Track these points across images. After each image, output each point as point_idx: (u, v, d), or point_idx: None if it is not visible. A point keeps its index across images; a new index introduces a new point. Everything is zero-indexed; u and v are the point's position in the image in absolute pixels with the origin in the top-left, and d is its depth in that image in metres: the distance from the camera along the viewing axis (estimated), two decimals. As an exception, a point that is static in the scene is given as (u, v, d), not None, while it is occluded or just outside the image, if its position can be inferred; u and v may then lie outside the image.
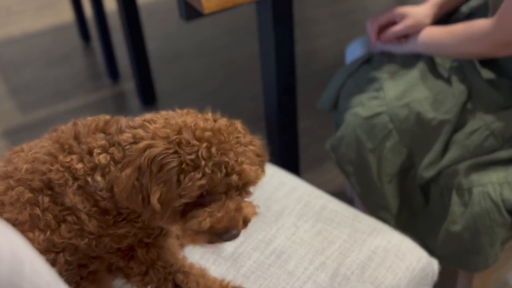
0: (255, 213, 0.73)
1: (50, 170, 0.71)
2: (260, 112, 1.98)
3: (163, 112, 0.76)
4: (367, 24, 1.30)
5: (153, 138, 0.68)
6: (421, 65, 1.20)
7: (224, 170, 0.67)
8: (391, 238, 1.00)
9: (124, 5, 1.93)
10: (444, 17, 1.24)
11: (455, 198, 1.09)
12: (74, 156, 0.71)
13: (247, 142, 0.73)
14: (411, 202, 1.21)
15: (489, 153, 1.09)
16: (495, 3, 1.09)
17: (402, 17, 1.22)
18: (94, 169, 0.71)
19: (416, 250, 0.99)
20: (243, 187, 0.71)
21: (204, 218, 0.68)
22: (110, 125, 0.73)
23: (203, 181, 0.66)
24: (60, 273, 0.74)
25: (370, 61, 1.29)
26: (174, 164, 0.66)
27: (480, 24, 1.07)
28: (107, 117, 0.76)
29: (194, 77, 2.32)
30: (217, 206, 0.69)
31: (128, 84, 2.29)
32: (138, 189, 0.67)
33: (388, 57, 1.26)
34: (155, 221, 0.70)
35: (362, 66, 1.29)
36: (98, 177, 0.70)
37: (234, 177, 0.68)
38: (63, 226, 0.72)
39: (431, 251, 1.17)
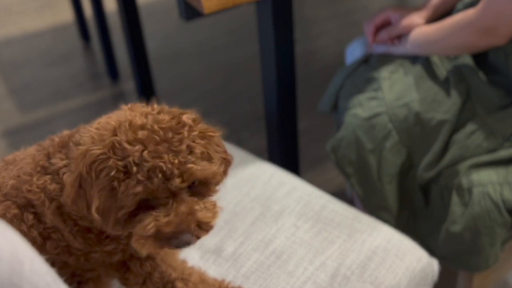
0: (213, 216, 0.67)
1: (29, 191, 0.69)
2: (260, 112, 1.98)
3: (117, 111, 0.71)
4: (364, 25, 1.30)
5: (92, 142, 0.64)
6: (419, 65, 1.20)
7: (160, 175, 0.61)
8: (391, 238, 0.99)
9: (124, 5, 1.93)
10: (439, 19, 1.24)
11: (455, 198, 1.09)
12: (47, 177, 0.69)
13: (195, 137, 0.66)
14: (412, 203, 1.21)
15: (489, 153, 1.09)
16: None
17: (397, 17, 1.22)
18: (63, 188, 0.67)
19: (416, 250, 0.99)
20: (199, 186, 0.66)
21: (148, 223, 0.63)
22: (70, 140, 0.70)
23: (138, 189, 0.61)
24: None
25: (368, 61, 1.29)
26: (107, 170, 0.61)
27: (465, 13, 1.08)
28: (74, 130, 0.73)
29: (194, 77, 2.32)
30: (165, 210, 0.63)
31: (128, 84, 2.29)
32: (82, 196, 0.64)
33: (386, 57, 1.26)
34: (104, 228, 0.67)
35: (360, 66, 1.29)
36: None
37: (176, 181, 0.62)
38: (48, 243, 0.70)
39: (432, 251, 1.17)
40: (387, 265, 0.95)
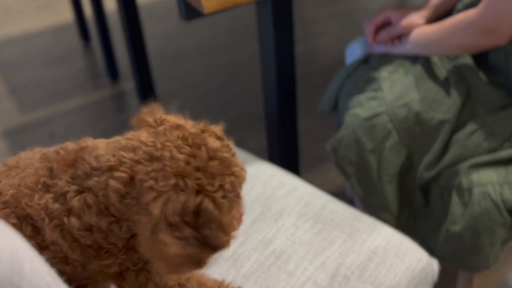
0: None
1: (29, 206, 0.68)
2: (260, 112, 1.98)
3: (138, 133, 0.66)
4: (364, 24, 1.30)
5: (154, 180, 0.59)
6: (419, 65, 1.20)
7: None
8: (391, 238, 0.99)
9: (124, 5, 1.93)
10: (439, 19, 1.24)
11: (455, 198, 1.09)
12: (49, 196, 0.67)
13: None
14: (412, 203, 1.21)
15: (489, 153, 1.09)
16: None
17: (397, 17, 1.22)
18: (69, 210, 0.66)
19: (416, 250, 0.99)
20: None
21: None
22: (78, 165, 0.66)
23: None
24: None
25: (368, 61, 1.29)
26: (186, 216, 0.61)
27: (466, 13, 1.08)
28: (77, 147, 0.70)
29: (194, 77, 2.32)
30: None
31: (128, 84, 2.29)
32: (156, 243, 0.59)
33: (386, 57, 1.26)
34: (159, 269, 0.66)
35: (360, 66, 1.29)
36: (73, 219, 0.65)
37: None
38: (46, 252, 0.70)
39: (432, 251, 1.17)
40: (387, 265, 0.95)
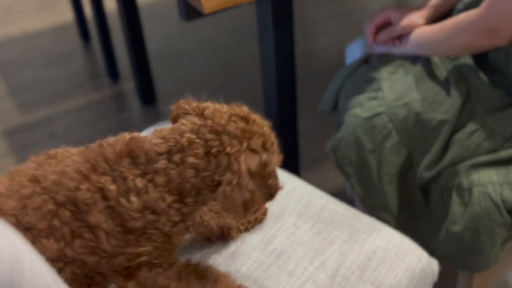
0: None
1: (78, 189, 0.73)
2: (260, 112, 1.98)
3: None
4: (364, 24, 1.30)
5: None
6: (419, 65, 1.20)
7: None
8: (391, 238, 1.00)
9: (124, 5, 1.93)
10: (439, 19, 1.24)
11: (455, 198, 1.09)
12: (107, 178, 0.73)
13: None
14: (412, 203, 1.21)
15: (489, 153, 1.09)
16: None
17: (397, 17, 1.22)
18: (127, 191, 0.72)
19: (416, 250, 0.99)
20: None
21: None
22: (136, 154, 0.74)
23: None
24: (65, 281, 0.74)
25: (368, 61, 1.29)
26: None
27: (467, 14, 1.08)
28: (126, 138, 0.77)
29: (194, 77, 2.32)
30: None
31: (128, 84, 2.29)
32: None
33: (386, 57, 1.26)
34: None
35: (360, 66, 1.29)
36: (133, 198, 0.72)
37: None
38: (77, 241, 0.73)
39: (432, 251, 1.17)
40: (387, 265, 0.95)
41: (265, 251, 0.96)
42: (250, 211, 0.74)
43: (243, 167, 0.71)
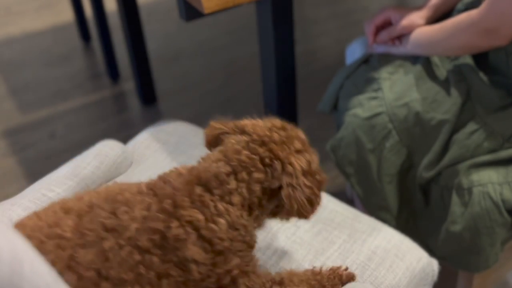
0: None
1: (169, 227, 0.74)
2: (260, 112, 1.98)
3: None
4: (365, 24, 1.30)
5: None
6: (419, 65, 1.20)
7: None
8: (391, 238, 0.99)
9: (124, 5, 1.93)
10: (440, 19, 1.24)
11: (455, 198, 1.09)
12: (193, 209, 0.75)
13: None
14: (412, 203, 1.21)
15: (489, 153, 1.09)
16: None
17: (397, 18, 1.22)
18: (213, 217, 0.75)
19: (416, 250, 0.99)
20: None
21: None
22: (207, 181, 0.77)
23: None
24: None
25: (368, 61, 1.29)
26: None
27: (468, 14, 1.08)
28: (184, 169, 0.80)
29: (194, 77, 2.32)
30: None
31: (128, 84, 2.29)
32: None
33: (386, 57, 1.26)
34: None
35: (360, 66, 1.29)
36: (222, 221, 0.75)
37: None
38: (164, 281, 0.75)
39: (432, 251, 1.17)
40: (387, 265, 0.95)
41: (266, 252, 0.96)
42: (316, 206, 0.79)
43: (297, 167, 0.77)
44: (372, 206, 1.22)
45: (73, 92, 2.27)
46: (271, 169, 0.77)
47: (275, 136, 0.79)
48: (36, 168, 1.90)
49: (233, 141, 0.79)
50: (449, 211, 1.10)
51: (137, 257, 0.73)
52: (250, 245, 0.80)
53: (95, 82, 2.33)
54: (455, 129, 1.12)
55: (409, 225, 1.22)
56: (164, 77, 2.31)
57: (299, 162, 0.78)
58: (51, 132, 2.07)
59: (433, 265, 1.01)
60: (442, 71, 1.18)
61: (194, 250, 0.74)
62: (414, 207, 1.21)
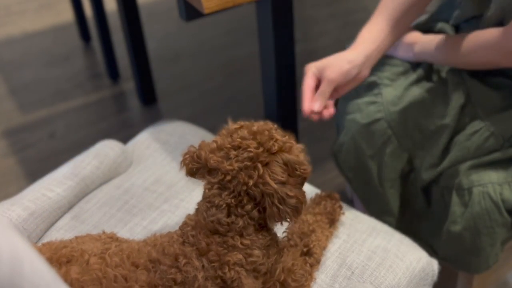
0: None
1: (224, 272, 0.78)
2: (260, 112, 1.98)
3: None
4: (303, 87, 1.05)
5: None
6: (420, 70, 1.20)
7: None
8: (391, 238, 1.00)
9: (124, 5, 1.93)
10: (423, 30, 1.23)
11: (455, 198, 1.09)
12: (232, 254, 0.79)
13: None
14: (413, 205, 1.21)
15: (489, 154, 1.09)
16: (495, 14, 1.07)
17: (318, 75, 1.03)
18: (246, 250, 0.80)
19: (416, 250, 0.99)
20: None
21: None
22: (214, 229, 0.79)
23: None
24: None
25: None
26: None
27: (491, 32, 1.05)
28: (191, 219, 0.83)
29: (194, 77, 2.33)
30: None
31: (128, 84, 2.29)
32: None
33: (386, 62, 1.25)
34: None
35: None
36: (255, 251, 0.80)
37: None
38: None
39: (435, 252, 1.17)
40: (387, 265, 0.95)
41: (265, 251, 0.96)
42: (302, 208, 0.79)
43: (273, 185, 0.76)
44: (375, 211, 1.22)
45: (73, 92, 2.27)
46: (252, 197, 0.78)
47: (240, 161, 0.77)
48: (36, 168, 1.90)
49: (207, 190, 0.80)
50: (449, 211, 1.10)
51: None
52: (280, 248, 0.85)
53: (95, 82, 2.33)
54: (456, 132, 1.12)
55: (412, 227, 1.22)
56: (164, 77, 2.31)
57: (275, 176, 0.77)
58: (51, 132, 2.07)
59: (433, 265, 1.01)
60: (441, 75, 1.18)
61: (249, 283, 0.80)
62: (416, 209, 1.21)
